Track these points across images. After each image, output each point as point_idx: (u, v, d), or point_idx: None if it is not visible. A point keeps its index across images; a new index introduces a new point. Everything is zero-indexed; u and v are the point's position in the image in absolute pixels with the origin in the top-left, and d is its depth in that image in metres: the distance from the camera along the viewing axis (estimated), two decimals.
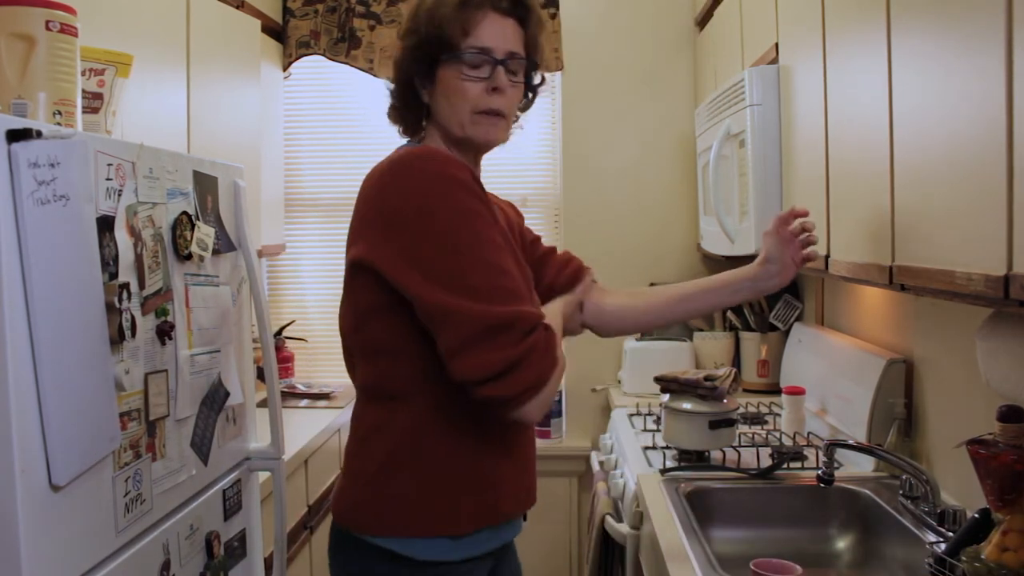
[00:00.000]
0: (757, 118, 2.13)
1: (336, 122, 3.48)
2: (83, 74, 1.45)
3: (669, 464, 2.13)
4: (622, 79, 3.37)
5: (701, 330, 3.22)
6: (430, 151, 1.34)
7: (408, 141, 1.48)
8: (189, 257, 1.57)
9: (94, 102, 1.52)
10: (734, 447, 2.20)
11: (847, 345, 2.29)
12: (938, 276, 1.19)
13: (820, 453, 1.91)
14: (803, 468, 2.08)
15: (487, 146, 1.43)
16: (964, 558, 1.31)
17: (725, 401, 2.14)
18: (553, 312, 1.42)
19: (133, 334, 1.35)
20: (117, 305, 1.30)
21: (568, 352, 3.34)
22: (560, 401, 3.23)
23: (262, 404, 1.93)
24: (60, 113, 1.31)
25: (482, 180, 1.39)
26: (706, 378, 2.17)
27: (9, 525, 1.08)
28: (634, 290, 1.74)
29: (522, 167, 3.41)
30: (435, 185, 1.28)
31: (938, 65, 1.21)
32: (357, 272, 1.31)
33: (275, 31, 3.30)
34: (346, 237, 1.38)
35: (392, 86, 1.48)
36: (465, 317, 1.22)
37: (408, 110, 1.46)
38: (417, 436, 1.32)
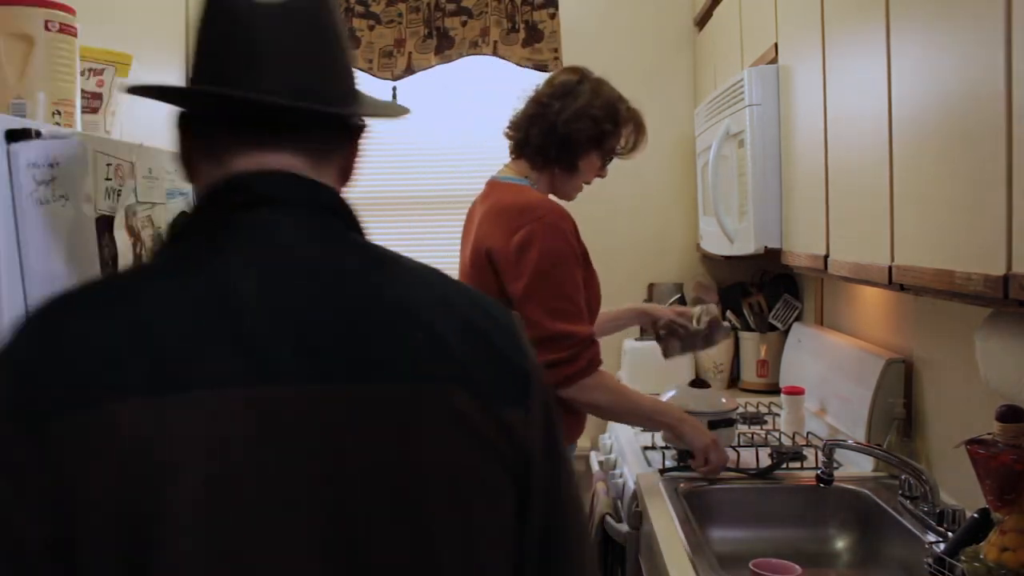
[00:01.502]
0: (756, 118, 2.13)
1: None
2: (82, 74, 1.45)
3: (668, 464, 2.13)
4: (621, 79, 3.33)
5: None
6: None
7: (527, 179, 2.00)
8: None
9: (93, 102, 1.52)
10: (733, 447, 2.20)
11: (846, 345, 2.29)
12: (937, 276, 1.19)
13: (819, 453, 1.91)
14: (802, 468, 2.08)
15: None
16: (963, 558, 1.31)
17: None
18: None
19: None
20: None
21: None
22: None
23: None
24: (59, 113, 1.31)
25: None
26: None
27: None
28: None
29: None
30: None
31: (937, 64, 1.21)
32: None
33: None
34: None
35: (535, 133, 1.95)
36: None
37: (555, 155, 1.95)
38: None
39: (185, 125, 0.83)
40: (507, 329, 0.82)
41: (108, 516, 0.66)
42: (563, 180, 2.00)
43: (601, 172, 2.06)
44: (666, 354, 2.31)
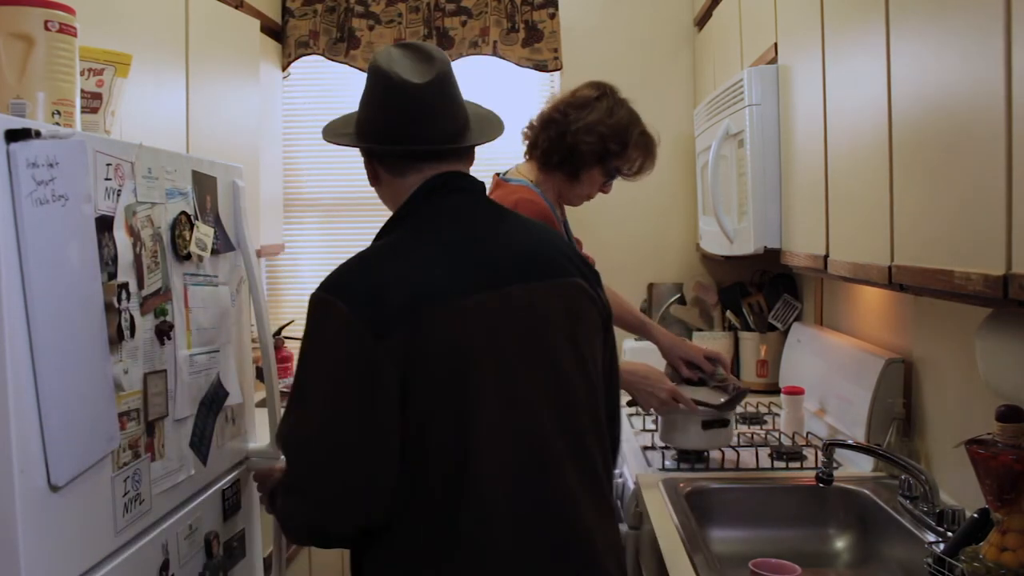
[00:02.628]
0: (756, 118, 2.13)
1: None
2: (82, 74, 1.45)
3: (668, 464, 2.13)
4: (621, 79, 3.32)
5: (700, 330, 3.22)
6: None
7: (531, 182, 2.05)
8: (188, 257, 1.57)
9: (93, 102, 1.52)
10: (733, 447, 2.20)
11: (846, 345, 2.29)
12: (937, 276, 1.19)
13: (819, 453, 1.91)
14: (802, 468, 2.08)
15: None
16: (963, 558, 1.31)
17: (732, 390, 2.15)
18: None
19: (132, 334, 1.35)
20: (116, 305, 1.30)
21: None
22: None
23: (261, 404, 1.93)
24: (59, 113, 1.31)
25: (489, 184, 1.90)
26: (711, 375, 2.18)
27: (8, 525, 1.08)
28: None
29: None
30: None
31: (937, 64, 1.21)
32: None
33: (274, 31, 3.30)
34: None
35: (545, 141, 2.03)
36: None
37: (558, 161, 2.01)
38: None
39: (374, 158, 1.39)
40: (578, 251, 1.57)
41: (438, 364, 1.22)
42: (566, 187, 2.05)
43: (604, 188, 2.09)
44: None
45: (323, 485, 1.25)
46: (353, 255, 1.31)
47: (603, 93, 2.05)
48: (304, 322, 1.27)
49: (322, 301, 1.24)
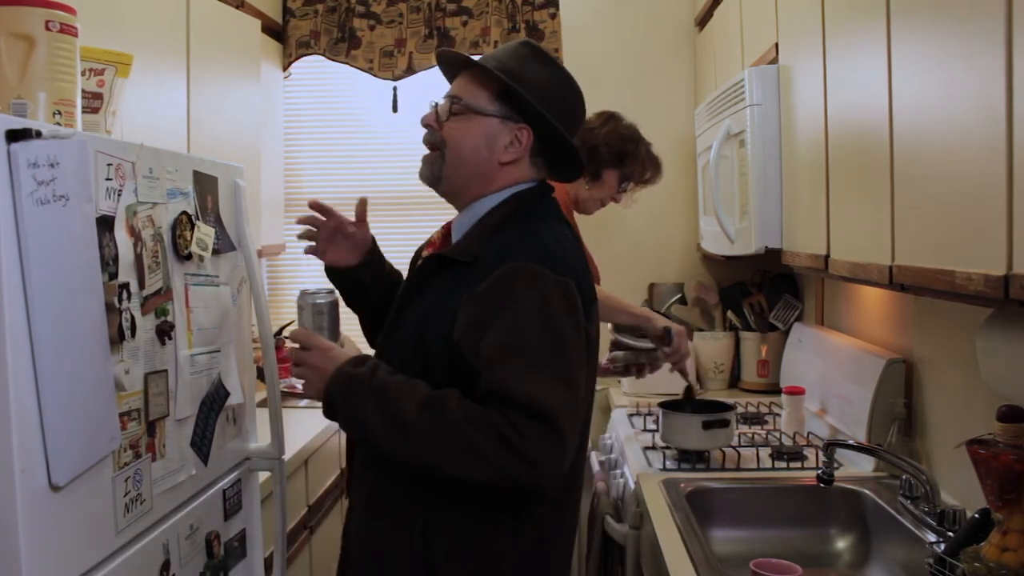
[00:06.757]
0: (757, 118, 2.13)
1: (336, 122, 3.48)
2: (83, 74, 1.45)
3: (669, 464, 2.13)
4: (622, 79, 3.37)
5: (701, 330, 3.22)
6: None
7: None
8: (189, 257, 1.57)
9: (94, 102, 1.52)
10: (734, 447, 2.20)
11: (847, 345, 2.29)
12: (938, 276, 1.19)
13: (820, 453, 1.91)
14: (803, 468, 2.08)
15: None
16: (964, 558, 1.31)
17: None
18: None
19: (133, 334, 1.35)
20: (117, 305, 1.30)
21: None
22: None
23: (262, 404, 1.93)
24: (60, 113, 1.31)
25: None
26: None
27: (9, 525, 1.08)
28: None
29: None
30: None
31: (938, 64, 1.21)
32: None
33: (275, 31, 3.30)
34: None
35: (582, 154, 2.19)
36: None
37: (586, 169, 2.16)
38: None
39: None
40: None
41: (592, 352, 1.39)
42: (585, 191, 2.35)
43: (617, 196, 2.38)
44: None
45: (573, 440, 1.27)
46: (542, 234, 1.35)
47: (613, 115, 2.40)
48: (512, 289, 1.26)
49: (545, 275, 1.28)
